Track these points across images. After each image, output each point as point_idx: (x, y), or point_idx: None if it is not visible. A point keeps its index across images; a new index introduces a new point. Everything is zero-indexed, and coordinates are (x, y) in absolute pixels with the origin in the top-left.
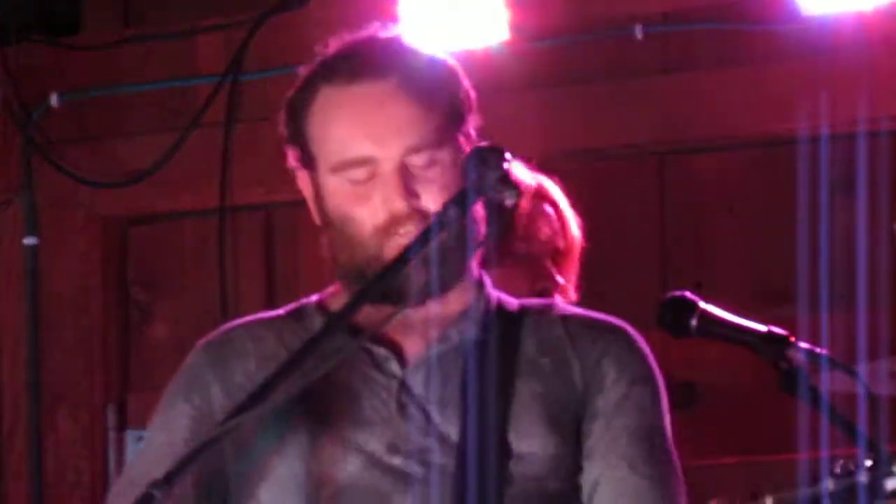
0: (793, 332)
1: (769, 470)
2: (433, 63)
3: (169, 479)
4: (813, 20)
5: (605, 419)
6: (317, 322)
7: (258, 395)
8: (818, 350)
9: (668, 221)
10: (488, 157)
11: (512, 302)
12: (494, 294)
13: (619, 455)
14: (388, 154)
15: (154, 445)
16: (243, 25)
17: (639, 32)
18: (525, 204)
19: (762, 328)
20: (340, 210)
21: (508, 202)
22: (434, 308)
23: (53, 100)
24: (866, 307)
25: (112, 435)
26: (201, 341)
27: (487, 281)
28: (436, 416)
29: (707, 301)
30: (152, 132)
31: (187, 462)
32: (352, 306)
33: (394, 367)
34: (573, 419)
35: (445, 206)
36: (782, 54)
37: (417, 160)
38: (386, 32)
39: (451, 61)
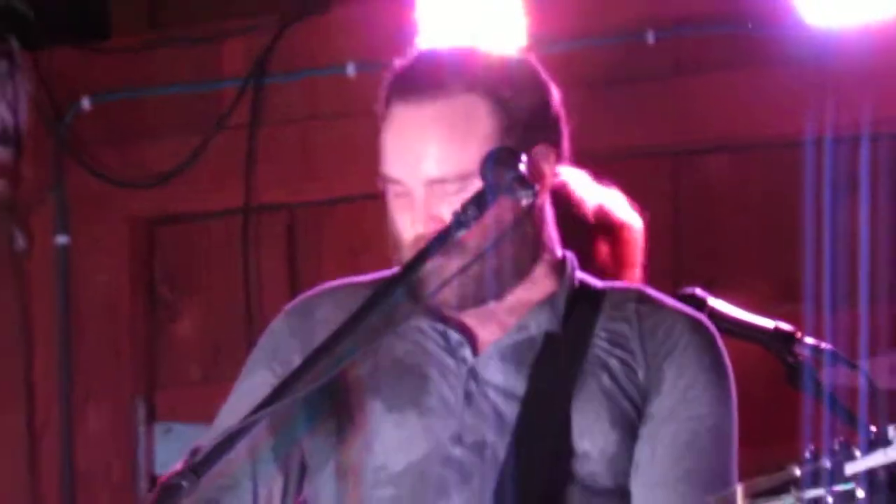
0: (799, 328)
1: (776, 458)
2: (497, 83)
3: (198, 470)
4: (818, 30)
5: (654, 423)
6: (399, 293)
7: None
8: (823, 345)
9: (681, 220)
10: (504, 159)
11: (595, 285)
12: (578, 277)
13: (663, 456)
14: (413, 181)
15: (234, 411)
16: (266, 30)
17: (651, 38)
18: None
19: (770, 324)
20: (391, 213)
21: (525, 202)
22: (514, 296)
23: (85, 103)
24: (868, 304)
25: (141, 428)
26: (287, 306)
27: (571, 261)
28: (502, 407)
29: (717, 298)
30: (179, 134)
31: (219, 451)
32: (373, 299)
33: (466, 353)
34: (635, 419)
35: (464, 206)
36: (789, 59)
37: (448, 188)
38: (458, 44)
39: (532, 78)
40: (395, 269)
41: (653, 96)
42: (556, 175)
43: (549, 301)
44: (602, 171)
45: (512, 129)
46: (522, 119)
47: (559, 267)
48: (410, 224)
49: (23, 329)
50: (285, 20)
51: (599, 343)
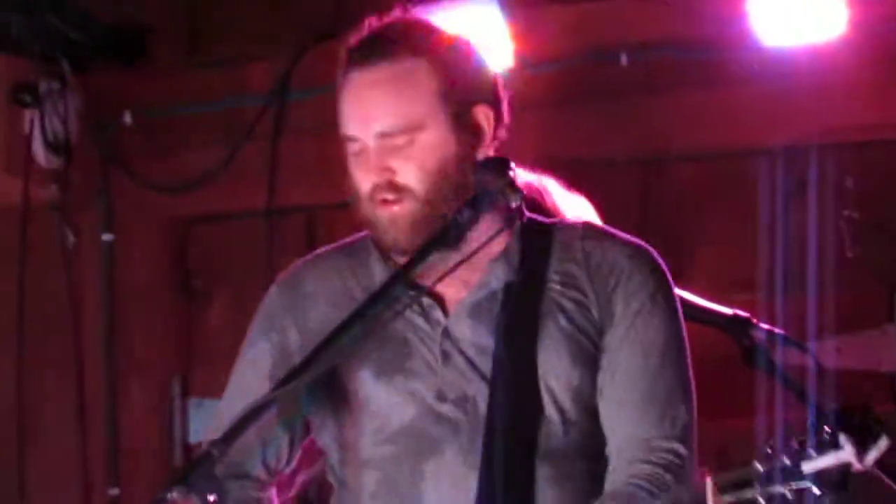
0: (754, 314)
1: (734, 431)
2: (438, 50)
3: (227, 439)
4: (771, 50)
5: (611, 352)
6: (372, 259)
7: (319, 352)
8: (775, 330)
9: (649, 220)
10: (496, 167)
11: (544, 224)
12: (526, 217)
13: (622, 379)
14: (365, 136)
15: (240, 381)
16: (287, 53)
17: (624, 59)
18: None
19: (728, 311)
20: (349, 171)
21: (513, 204)
22: (470, 251)
23: (127, 117)
24: (816, 293)
25: (176, 402)
26: (277, 281)
27: (519, 207)
28: (476, 360)
29: (682, 289)
30: (210, 145)
31: (245, 422)
32: (375, 296)
33: (438, 314)
34: (593, 351)
35: (460, 210)
36: (747, 78)
37: (397, 140)
38: (403, 17)
39: (468, 49)
40: (361, 235)
41: (625, 111)
42: (497, 132)
43: (504, 254)
44: (579, 178)
45: (451, 90)
46: (461, 82)
47: (510, 218)
48: (366, 176)
49: (73, 316)
50: (303, 45)
51: (554, 287)
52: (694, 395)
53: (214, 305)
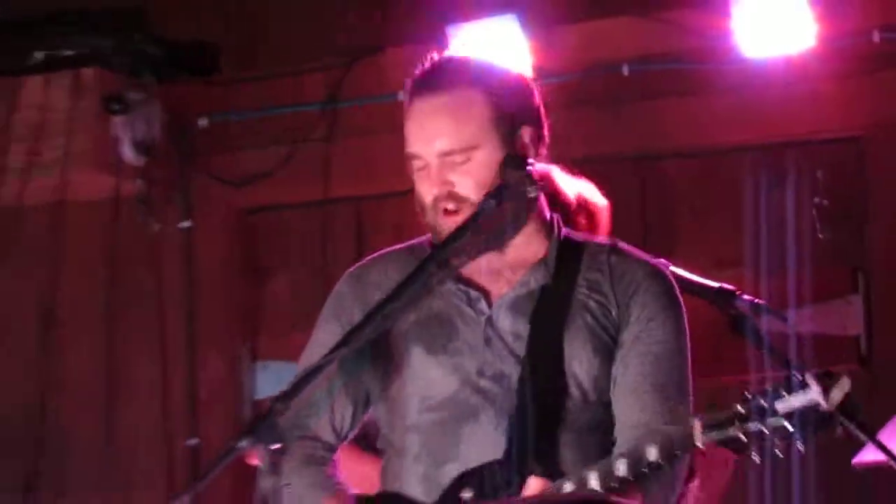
0: (739, 287)
1: (722, 386)
2: (491, 80)
3: (287, 397)
4: (752, 61)
5: (625, 348)
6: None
7: (368, 321)
8: (758, 301)
9: (647, 208)
10: (516, 163)
11: (577, 240)
12: (563, 233)
13: (632, 372)
14: (427, 154)
15: (310, 357)
16: (338, 66)
17: (625, 70)
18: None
19: (715, 284)
20: (416, 185)
21: (531, 195)
22: (514, 256)
23: (202, 121)
24: (793, 269)
25: (245, 365)
26: (348, 271)
27: (558, 221)
28: (512, 346)
29: (676, 266)
30: (272, 145)
31: (303, 382)
32: (416, 271)
33: (483, 306)
34: (611, 347)
35: (485, 198)
36: (731, 86)
37: (456, 158)
38: (461, 53)
39: (517, 80)
40: (425, 238)
41: (626, 115)
42: (539, 148)
43: (543, 260)
44: (586, 172)
45: (502, 116)
46: (510, 109)
47: (548, 227)
48: (429, 189)
49: (157, 293)
50: (352, 58)
51: (581, 290)
52: (691, 391)
53: (276, 282)
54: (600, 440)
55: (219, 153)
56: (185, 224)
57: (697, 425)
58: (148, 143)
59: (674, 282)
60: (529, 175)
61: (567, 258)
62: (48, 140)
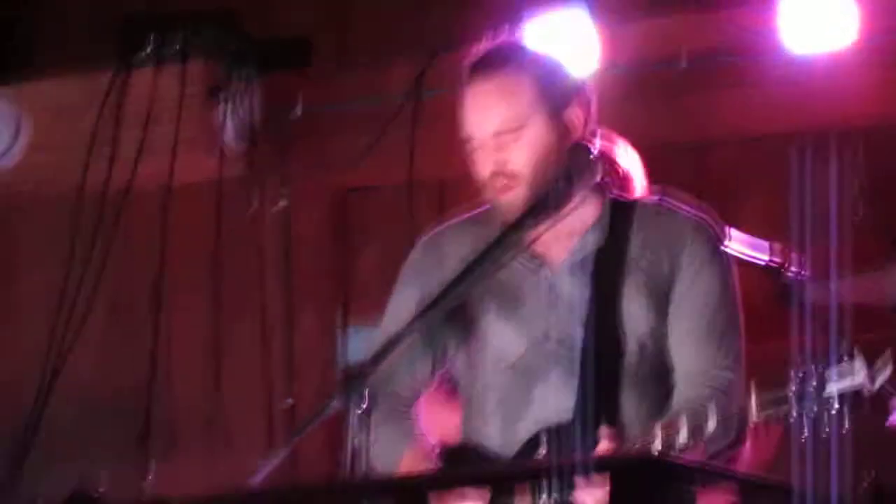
0: (787, 260)
1: (772, 351)
2: (535, 66)
3: (373, 361)
4: (798, 55)
5: (678, 300)
6: (495, 227)
7: (446, 293)
8: (803, 272)
9: (702, 191)
10: (582, 151)
11: (627, 200)
12: (614, 195)
13: (686, 322)
14: (481, 135)
15: (392, 317)
16: (421, 59)
17: (684, 62)
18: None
19: (765, 258)
20: (472, 163)
21: (597, 177)
22: (570, 221)
23: (297, 110)
24: (837, 244)
25: (338, 330)
26: (421, 240)
27: (608, 185)
28: (574, 308)
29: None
30: (361, 132)
31: (388, 347)
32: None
33: (545, 272)
34: (665, 300)
35: (556, 181)
36: (778, 78)
37: (508, 137)
38: (507, 40)
39: (556, 64)
40: (485, 206)
41: (685, 105)
42: (587, 126)
43: (597, 225)
44: (648, 156)
45: (547, 97)
46: (555, 91)
47: (599, 189)
48: (484, 166)
49: (257, 268)
50: (434, 52)
51: (635, 249)
52: (742, 333)
53: (367, 254)
54: (660, 389)
55: (312, 139)
56: (283, 204)
57: (753, 403)
58: (248, 131)
59: (719, 233)
60: (594, 160)
61: (619, 219)
62: (157, 128)
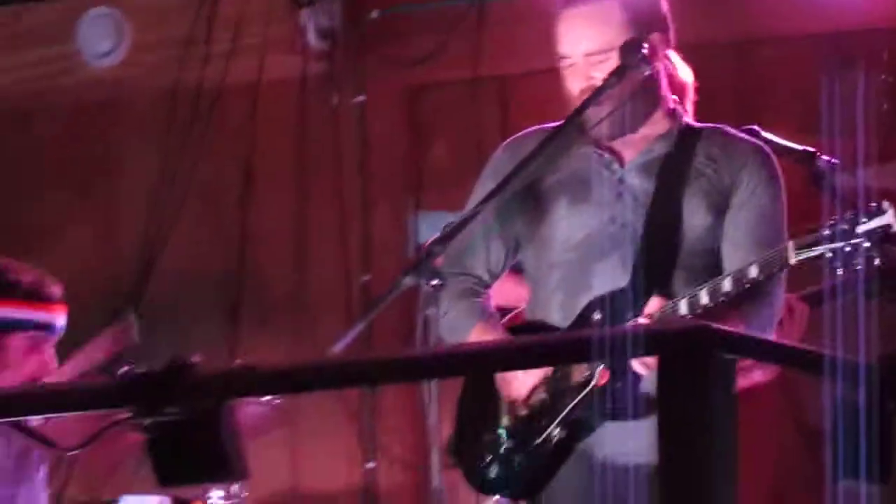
0: (819, 150)
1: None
2: None
3: (443, 240)
4: None
5: (736, 209)
6: (578, 135)
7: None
8: (833, 160)
9: (740, 88)
10: (633, 46)
11: (694, 125)
12: (684, 119)
13: (739, 229)
14: (574, 54)
15: (468, 209)
16: None
17: None
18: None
19: (800, 147)
20: (566, 80)
21: (645, 73)
22: (644, 132)
23: (374, 13)
24: (863, 135)
25: (410, 216)
26: (506, 142)
27: (680, 109)
28: (640, 200)
29: (767, 131)
30: (433, 33)
31: (458, 229)
32: (555, 132)
33: (615, 167)
34: (723, 207)
35: (609, 75)
36: None
37: (598, 57)
38: None
39: None
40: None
41: (720, 4)
42: (667, 53)
43: (667, 134)
44: (689, 55)
45: (634, 23)
46: (642, 18)
47: (672, 113)
48: (577, 83)
49: (334, 154)
50: None
51: (699, 160)
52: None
53: (438, 145)
54: (708, 280)
55: (387, 39)
56: (360, 99)
57: (791, 246)
58: (329, 32)
59: (774, 160)
60: (644, 57)
61: (687, 135)
62: (247, 29)
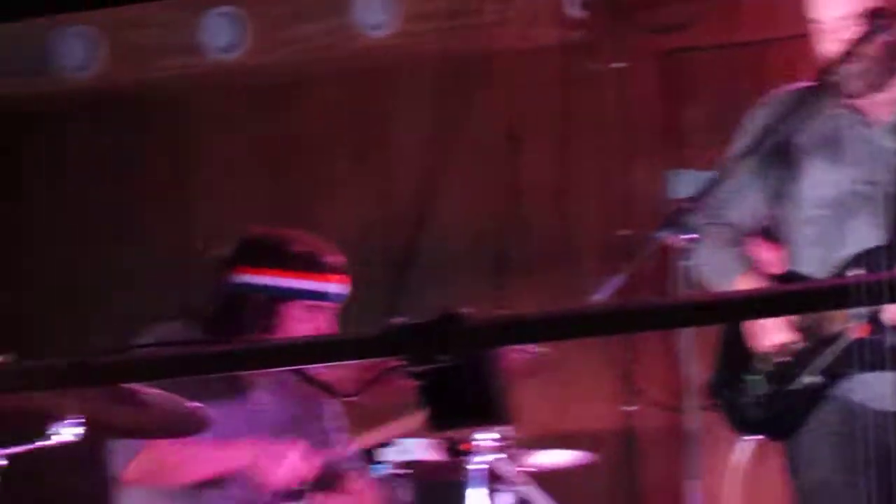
0: None
1: None
2: None
3: (699, 195)
4: None
5: None
6: (829, 98)
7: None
8: None
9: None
10: (875, 15)
11: None
12: None
13: None
14: (828, 19)
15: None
16: None
17: None
18: None
19: None
20: (817, 38)
21: (887, 37)
22: (894, 92)
23: None
24: None
25: (667, 174)
26: (759, 101)
27: None
28: (889, 159)
29: None
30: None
31: (712, 185)
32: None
33: (866, 127)
34: None
35: (859, 38)
36: None
37: (850, 20)
38: None
39: None
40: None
41: None
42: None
43: None
44: None
45: None
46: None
47: None
48: (828, 47)
49: (595, 116)
50: None
51: None
52: None
53: (694, 107)
54: None
55: (645, 7)
56: (619, 65)
57: None
58: (589, 1)
59: None
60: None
61: None
62: (513, 2)
